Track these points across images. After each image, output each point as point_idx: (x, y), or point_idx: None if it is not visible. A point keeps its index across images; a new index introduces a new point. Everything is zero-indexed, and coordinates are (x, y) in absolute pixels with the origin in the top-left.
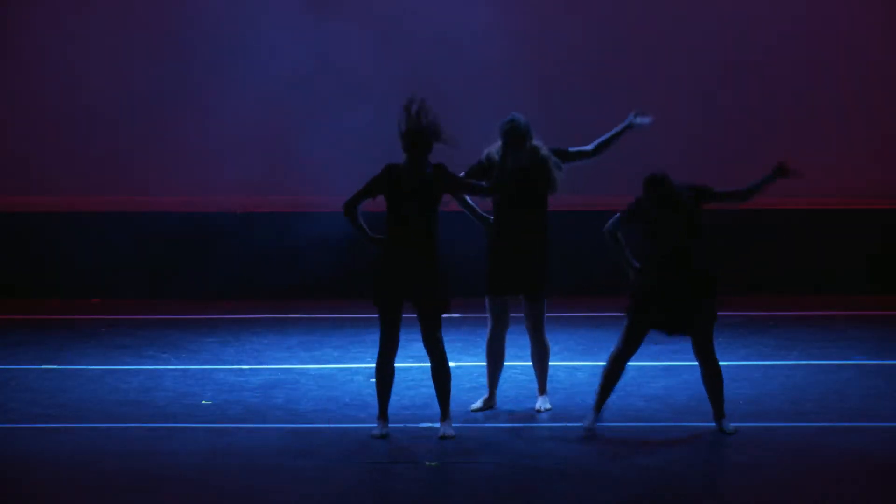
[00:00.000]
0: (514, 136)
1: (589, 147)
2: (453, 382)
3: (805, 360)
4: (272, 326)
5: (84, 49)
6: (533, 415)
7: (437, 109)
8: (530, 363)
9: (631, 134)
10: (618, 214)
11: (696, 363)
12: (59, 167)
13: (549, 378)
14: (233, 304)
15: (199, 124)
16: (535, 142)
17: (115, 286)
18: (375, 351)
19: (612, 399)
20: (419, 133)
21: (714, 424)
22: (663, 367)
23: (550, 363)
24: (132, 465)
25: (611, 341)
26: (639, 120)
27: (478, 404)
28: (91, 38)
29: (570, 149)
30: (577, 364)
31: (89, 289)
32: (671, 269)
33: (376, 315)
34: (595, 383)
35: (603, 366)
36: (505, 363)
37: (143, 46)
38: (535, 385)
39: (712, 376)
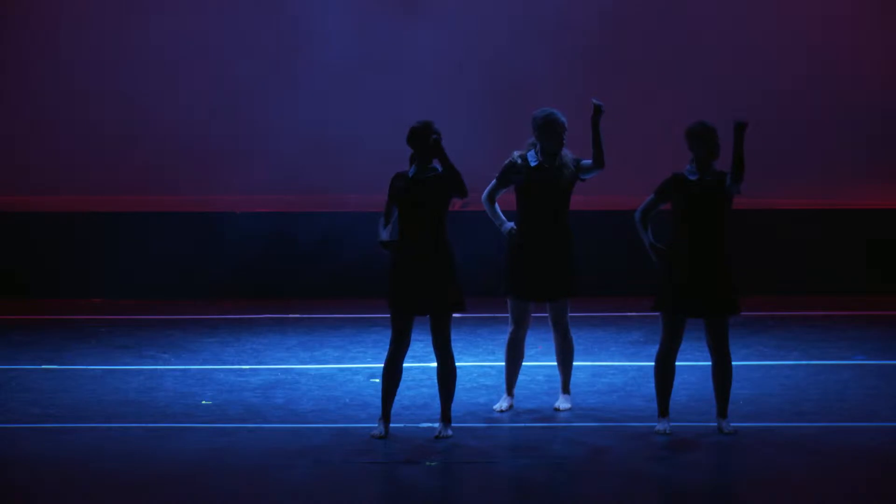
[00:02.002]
0: (553, 126)
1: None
2: None
3: (805, 360)
4: (272, 326)
5: (86, 47)
6: (535, 415)
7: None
8: (530, 364)
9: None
10: (650, 196)
11: (696, 363)
12: (60, 167)
13: (548, 378)
14: (233, 304)
15: (199, 124)
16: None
17: (115, 286)
18: (375, 351)
19: (612, 399)
20: (413, 133)
21: (714, 424)
22: None
23: (551, 363)
24: (132, 465)
25: (610, 341)
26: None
27: (503, 405)
28: (94, 35)
29: (583, 161)
30: (576, 364)
31: (89, 289)
32: (699, 252)
33: (376, 315)
34: (596, 383)
35: (652, 368)
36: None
37: (145, 45)
38: (535, 385)
39: (723, 372)
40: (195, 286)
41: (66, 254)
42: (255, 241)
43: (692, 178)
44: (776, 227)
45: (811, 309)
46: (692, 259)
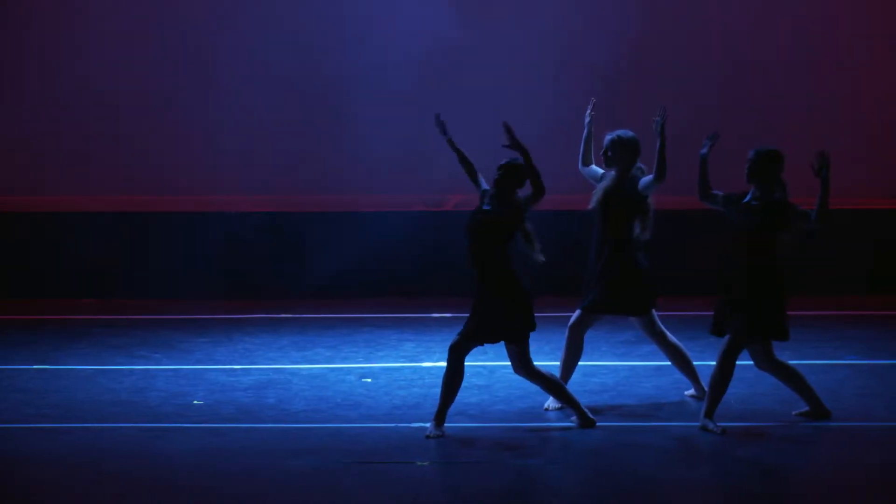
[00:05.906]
0: (612, 149)
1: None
2: None
3: (799, 360)
4: (264, 326)
5: (86, 47)
6: (526, 415)
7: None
8: None
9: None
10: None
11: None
12: (58, 167)
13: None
14: (226, 304)
15: (198, 124)
16: (638, 169)
17: (109, 286)
18: (367, 351)
19: (604, 398)
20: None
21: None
22: (655, 367)
23: (547, 363)
24: (125, 464)
25: (601, 341)
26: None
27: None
28: (94, 35)
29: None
30: None
31: (82, 289)
32: (736, 273)
33: (368, 315)
34: (587, 383)
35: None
36: (496, 364)
37: (146, 42)
38: (527, 384)
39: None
40: (189, 286)
41: (62, 254)
42: (251, 241)
43: (744, 199)
44: None
45: (807, 309)
46: (730, 278)
